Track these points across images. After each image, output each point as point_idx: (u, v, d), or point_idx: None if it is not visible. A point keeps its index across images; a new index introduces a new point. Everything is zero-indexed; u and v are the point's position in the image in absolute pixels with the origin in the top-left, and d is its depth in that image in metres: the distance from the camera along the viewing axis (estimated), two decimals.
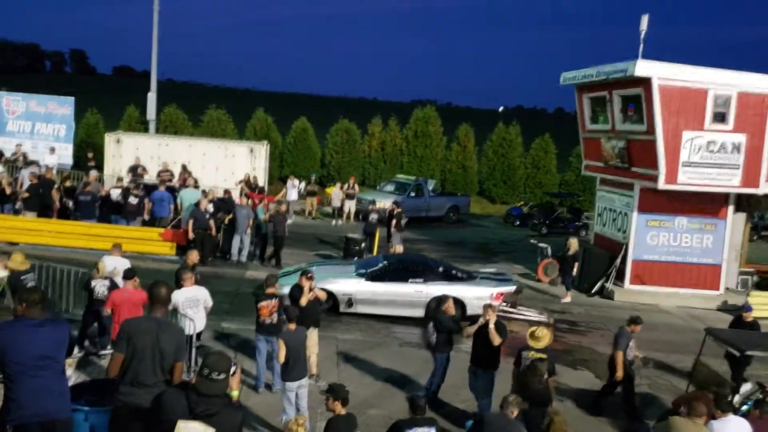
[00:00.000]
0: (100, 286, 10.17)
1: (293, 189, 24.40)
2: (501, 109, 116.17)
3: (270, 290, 9.90)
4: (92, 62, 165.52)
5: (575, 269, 16.67)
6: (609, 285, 17.37)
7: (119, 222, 17.58)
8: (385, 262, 14.72)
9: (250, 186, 21.13)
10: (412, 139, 31.66)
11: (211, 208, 16.79)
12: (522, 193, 31.93)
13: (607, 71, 16.59)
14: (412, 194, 25.89)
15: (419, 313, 13.76)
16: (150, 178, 21.03)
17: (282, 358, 8.22)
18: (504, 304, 14.17)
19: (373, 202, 20.60)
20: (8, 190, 17.66)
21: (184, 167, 21.71)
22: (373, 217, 19.25)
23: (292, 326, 8.57)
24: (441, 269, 14.52)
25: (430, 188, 27.34)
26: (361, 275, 14.07)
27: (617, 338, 9.97)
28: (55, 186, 18.06)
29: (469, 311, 13.34)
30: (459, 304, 13.09)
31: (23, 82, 51.94)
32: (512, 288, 14.42)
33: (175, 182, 20.62)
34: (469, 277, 14.50)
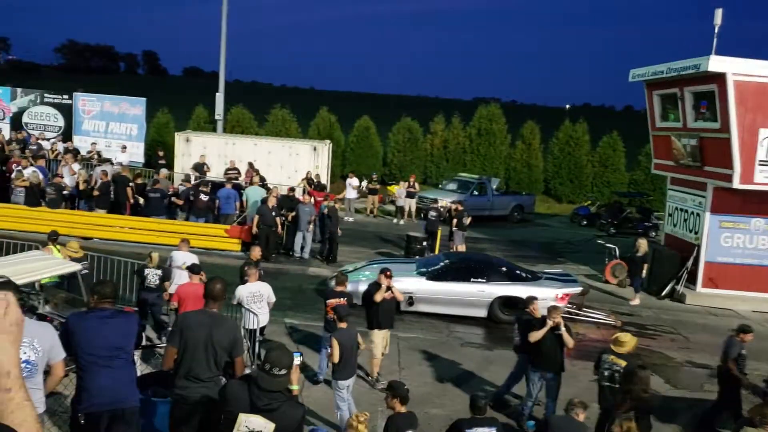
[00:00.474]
0: (152, 275, 10.70)
1: (352, 188, 24.48)
2: (568, 107, 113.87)
3: (339, 288, 9.96)
4: (163, 63, 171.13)
5: (644, 271, 16.16)
6: (680, 288, 16.76)
7: (189, 218, 18.06)
8: (447, 260, 14.57)
9: (311, 183, 21.33)
10: (475, 137, 31.37)
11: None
12: (589, 192, 31.19)
13: (679, 67, 16.01)
14: (475, 193, 25.63)
15: (481, 313, 13.60)
16: (217, 175, 21.51)
17: (336, 357, 8.22)
18: (569, 305, 13.85)
19: (435, 201, 20.48)
20: (82, 187, 18.35)
21: (251, 165, 22.13)
22: (432, 214, 19.16)
23: (343, 324, 8.56)
24: (504, 269, 14.29)
25: (494, 187, 26.98)
26: (422, 274, 13.95)
27: (727, 348, 9.35)
28: (129, 183, 18.68)
29: None
30: None
31: (99, 83, 53.92)
32: (578, 289, 14.03)
33: (242, 180, 21.03)
34: (533, 278, 14.19)
